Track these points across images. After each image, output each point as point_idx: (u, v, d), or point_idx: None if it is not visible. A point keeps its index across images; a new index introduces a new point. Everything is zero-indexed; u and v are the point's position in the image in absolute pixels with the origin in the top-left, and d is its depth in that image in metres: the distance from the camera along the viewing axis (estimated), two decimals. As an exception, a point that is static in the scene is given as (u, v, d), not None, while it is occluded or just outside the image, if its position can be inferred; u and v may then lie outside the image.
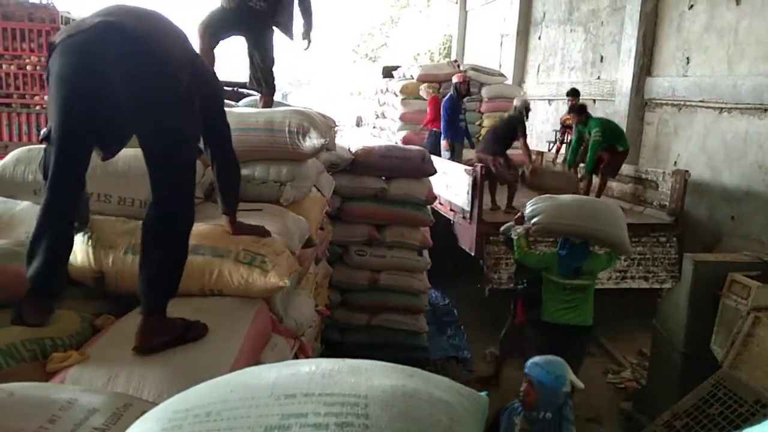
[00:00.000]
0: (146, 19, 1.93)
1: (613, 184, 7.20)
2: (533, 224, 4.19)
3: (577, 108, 7.05)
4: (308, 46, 4.26)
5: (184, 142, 1.96)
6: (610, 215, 4.19)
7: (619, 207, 4.65)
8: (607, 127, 6.66)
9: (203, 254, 2.25)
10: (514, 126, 6.61)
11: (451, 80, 9.50)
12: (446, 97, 8.11)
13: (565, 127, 8.19)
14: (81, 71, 1.82)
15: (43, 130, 1.95)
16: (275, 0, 3.94)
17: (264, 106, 4.27)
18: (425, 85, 9.40)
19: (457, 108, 8.01)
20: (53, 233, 1.94)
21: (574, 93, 7.95)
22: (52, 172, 1.90)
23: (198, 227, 2.23)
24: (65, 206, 1.97)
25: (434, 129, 8.53)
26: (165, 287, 1.94)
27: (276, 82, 4.29)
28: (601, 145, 6.54)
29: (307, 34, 4.22)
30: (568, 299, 4.19)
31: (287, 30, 4.14)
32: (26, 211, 2.69)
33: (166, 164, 1.93)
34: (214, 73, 2.40)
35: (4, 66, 6.86)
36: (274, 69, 4.22)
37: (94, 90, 1.83)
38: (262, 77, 4.14)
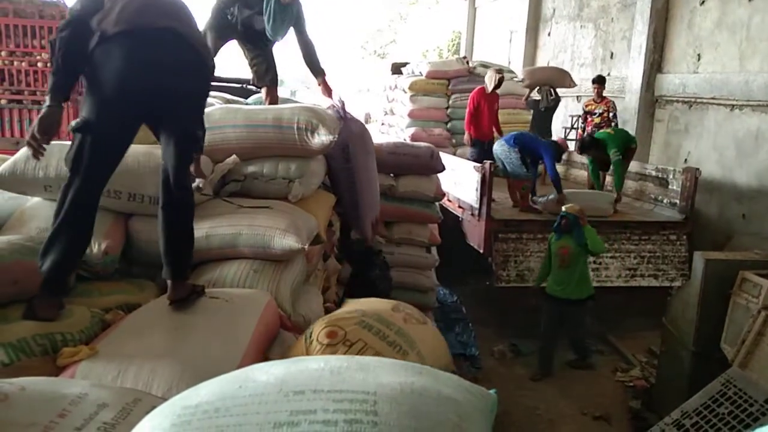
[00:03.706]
0: (185, 18, 2.15)
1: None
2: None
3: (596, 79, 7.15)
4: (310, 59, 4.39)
5: (202, 125, 2.29)
6: None
7: None
8: (619, 138, 6.59)
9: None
10: None
11: (459, 77, 9.50)
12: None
13: (586, 113, 8.03)
14: (142, 72, 1.97)
15: (76, 120, 1.99)
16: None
17: (271, 102, 4.30)
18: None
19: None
20: (77, 227, 1.99)
21: (600, 81, 7.79)
22: (87, 162, 1.96)
23: None
24: (94, 199, 2.04)
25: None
26: (189, 255, 2.29)
27: (278, 74, 4.37)
28: (622, 160, 6.53)
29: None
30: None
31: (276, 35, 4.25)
32: (37, 207, 2.70)
33: (189, 145, 2.19)
34: None
35: (15, 63, 6.89)
36: (276, 64, 4.35)
37: (152, 90, 2.01)
38: (265, 72, 4.24)
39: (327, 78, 4.39)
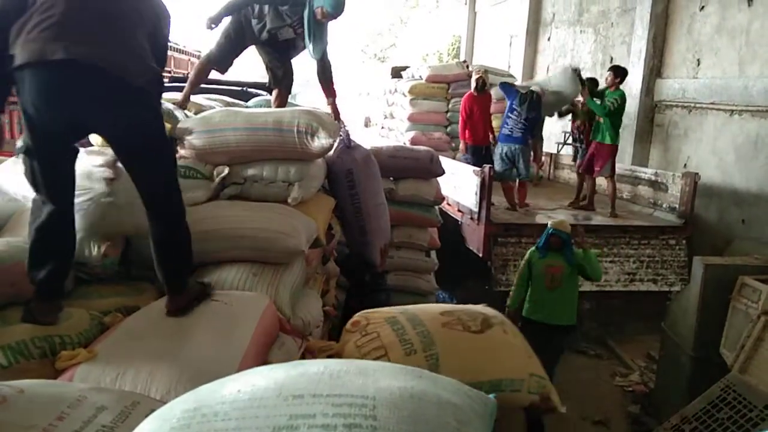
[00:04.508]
0: (115, 32, 1.98)
1: (621, 186, 7.16)
2: None
3: (615, 68, 6.85)
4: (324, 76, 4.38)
5: (158, 143, 2.15)
6: None
7: None
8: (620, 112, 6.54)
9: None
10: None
11: (459, 81, 9.51)
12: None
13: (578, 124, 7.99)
14: (58, 102, 1.89)
15: (19, 145, 1.99)
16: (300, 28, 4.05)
17: (279, 104, 4.32)
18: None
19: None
20: (53, 240, 1.99)
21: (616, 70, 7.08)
22: (42, 181, 1.96)
23: None
24: (63, 211, 2.02)
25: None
26: (183, 270, 2.20)
27: (293, 82, 4.43)
28: (611, 114, 6.44)
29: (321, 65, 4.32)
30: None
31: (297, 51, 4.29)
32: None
33: (145, 165, 2.11)
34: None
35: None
36: (293, 72, 4.42)
37: (68, 120, 1.94)
38: (282, 77, 4.25)
39: (336, 101, 4.39)
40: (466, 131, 7.34)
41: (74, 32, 1.88)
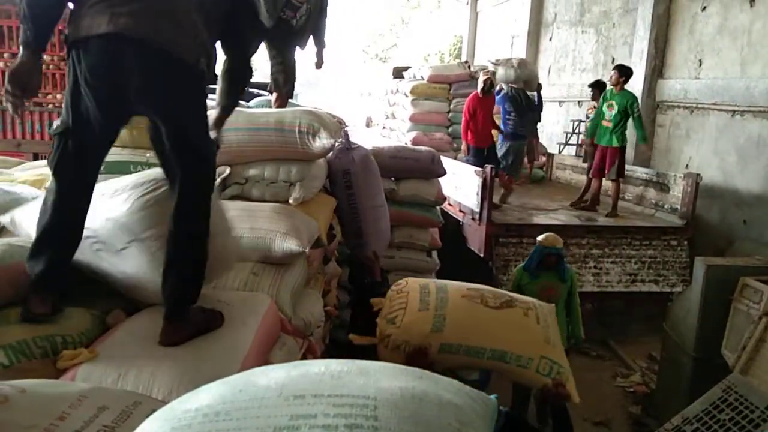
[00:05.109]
0: (156, 4, 1.89)
1: (622, 186, 7.15)
2: None
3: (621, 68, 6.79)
4: (320, 65, 4.33)
5: (197, 131, 2.01)
6: None
7: None
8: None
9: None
10: None
11: (461, 81, 9.50)
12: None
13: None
14: (106, 79, 1.84)
15: (56, 124, 1.93)
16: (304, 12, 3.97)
17: (279, 106, 4.30)
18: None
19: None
20: (62, 233, 1.94)
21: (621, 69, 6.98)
22: (70, 167, 1.90)
23: None
24: (80, 204, 1.96)
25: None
26: (188, 295, 1.99)
27: (294, 87, 4.34)
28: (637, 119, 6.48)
29: (320, 54, 4.25)
30: None
31: (302, 42, 4.16)
32: (38, 208, 2.69)
33: (190, 159, 1.96)
34: None
35: (17, 65, 6.93)
36: (295, 76, 4.27)
37: (120, 95, 1.87)
38: (284, 79, 4.19)
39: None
40: (468, 132, 7.26)
41: (121, 5, 1.83)
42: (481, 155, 7.14)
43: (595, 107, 7.61)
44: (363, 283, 4.27)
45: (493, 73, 7.55)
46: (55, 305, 1.93)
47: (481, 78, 7.18)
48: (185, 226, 1.96)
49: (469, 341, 2.72)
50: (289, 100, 4.49)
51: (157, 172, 2.12)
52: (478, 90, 7.19)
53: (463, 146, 7.38)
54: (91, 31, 1.81)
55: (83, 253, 2.06)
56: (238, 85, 2.45)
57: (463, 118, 7.29)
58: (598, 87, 7.55)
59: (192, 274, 2.00)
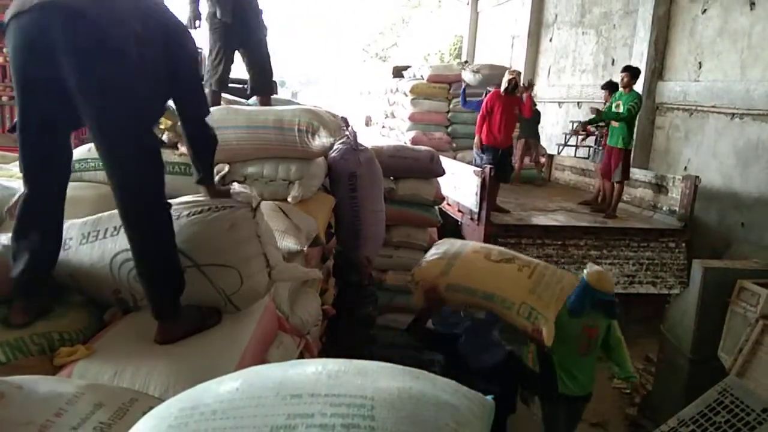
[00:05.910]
0: None
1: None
2: None
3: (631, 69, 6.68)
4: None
5: (133, 124, 1.76)
6: None
7: None
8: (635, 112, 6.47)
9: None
10: None
11: (460, 81, 9.48)
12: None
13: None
14: (29, 60, 1.68)
15: (16, 121, 1.82)
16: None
17: (262, 104, 4.27)
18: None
19: None
20: (34, 236, 1.84)
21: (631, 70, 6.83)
22: (27, 165, 1.82)
23: None
24: (48, 206, 1.88)
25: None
26: (168, 295, 1.88)
27: (273, 80, 4.29)
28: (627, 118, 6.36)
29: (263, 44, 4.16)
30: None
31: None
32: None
33: (116, 152, 1.76)
34: (189, 35, 2.08)
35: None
36: (266, 70, 4.19)
37: (45, 77, 1.69)
38: (255, 82, 4.15)
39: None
40: (484, 128, 6.89)
41: None
42: (493, 154, 6.75)
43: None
44: (349, 280, 4.30)
45: (519, 73, 7.19)
46: (39, 311, 1.86)
47: (506, 77, 6.80)
48: (136, 232, 1.82)
49: (467, 283, 3.52)
50: (289, 98, 4.48)
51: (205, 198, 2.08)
52: (501, 88, 6.83)
53: (476, 140, 7.10)
54: (24, 7, 1.64)
55: (116, 273, 1.98)
56: (204, 153, 2.18)
57: (480, 114, 6.94)
58: (610, 88, 7.54)
59: (162, 278, 1.87)
